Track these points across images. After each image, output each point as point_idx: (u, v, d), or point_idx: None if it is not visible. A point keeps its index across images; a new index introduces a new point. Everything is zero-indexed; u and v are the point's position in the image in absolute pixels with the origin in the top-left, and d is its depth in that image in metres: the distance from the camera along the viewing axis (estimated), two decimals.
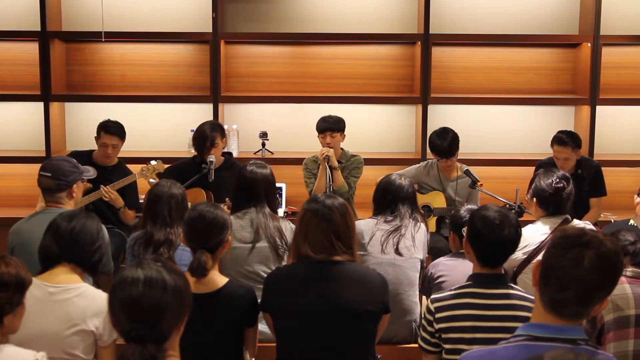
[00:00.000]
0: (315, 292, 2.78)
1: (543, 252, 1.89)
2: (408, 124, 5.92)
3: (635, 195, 4.02)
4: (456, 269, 3.38)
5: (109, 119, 4.91)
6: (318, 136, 4.96)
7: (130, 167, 5.05)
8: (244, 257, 3.55)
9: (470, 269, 2.84)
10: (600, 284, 1.82)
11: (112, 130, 4.83)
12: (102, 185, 4.63)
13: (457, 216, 3.44)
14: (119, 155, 5.00)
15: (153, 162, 4.70)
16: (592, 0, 5.56)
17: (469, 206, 3.47)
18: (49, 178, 3.53)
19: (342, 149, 5.03)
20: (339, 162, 4.92)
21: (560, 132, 4.97)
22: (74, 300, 2.66)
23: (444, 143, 4.82)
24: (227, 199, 4.55)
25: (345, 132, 5.01)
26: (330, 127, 4.91)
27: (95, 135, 4.87)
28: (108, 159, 4.88)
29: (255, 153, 5.66)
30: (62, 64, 5.77)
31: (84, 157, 4.72)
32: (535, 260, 1.89)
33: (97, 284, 3.21)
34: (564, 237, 1.84)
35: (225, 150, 5.05)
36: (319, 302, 2.77)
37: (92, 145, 4.99)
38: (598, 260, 1.80)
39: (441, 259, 3.54)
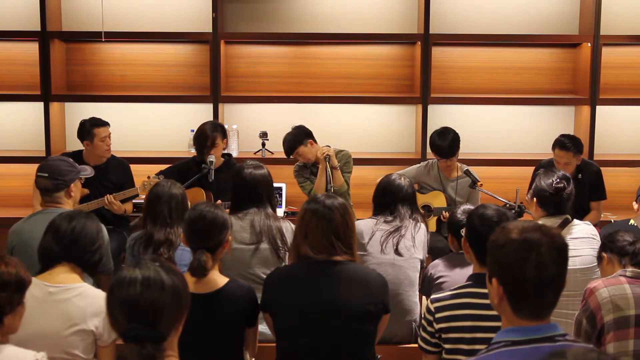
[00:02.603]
0: (315, 292, 2.78)
1: (493, 269, 1.88)
2: (408, 124, 5.92)
3: (634, 202, 4.02)
4: (456, 269, 3.39)
5: (84, 119, 4.91)
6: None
7: (131, 167, 5.05)
8: (245, 259, 3.55)
9: (470, 269, 2.84)
10: (565, 269, 1.86)
11: (101, 122, 4.85)
12: (107, 196, 4.62)
13: (453, 219, 3.44)
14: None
15: (154, 177, 4.64)
16: (592, 0, 5.56)
17: (465, 207, 3.47)
18: (46, 178, 3.53)
19: (328, 146, 4.97)
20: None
21: (562, 136, 4.95)
22: (74, 300, 2.66)
23: (445, 143, 4.81)
24: (219, 200, 4.55)
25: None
26: (288, 148, 4.81)
27: (84, 140, 4.83)
28: (109, 151, 4.87)
29: (255, 153, 5.66)
30: (62, 64, 5.78)
31: (75, 158, 4.65)
32: (492, 281, 1.87)
33: (98, 284, 3.21)
34: (512, 249, 1.83)
35: (226, 151, 5.06)
36: (319, 302, 2.77)
37: None
38: (555, 253, 1.83)
39: (441, 260, 3.54)
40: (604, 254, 3.15)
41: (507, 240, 1.85)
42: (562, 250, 1.85)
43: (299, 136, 4.84)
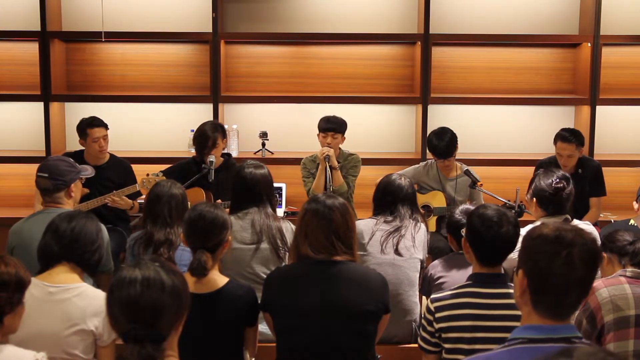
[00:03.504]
0: (315, 292, 2.78)
1: (521, 260, 1.88)
2: (408, 124, 5.92)
3: (634, 202, 4.02)
4: (455, 270, 3.39)
5: (83, 117, 4.92)
6: (318, 134, 4.96)
7: (132, 167, 5.06)
8: (246, 259, 3.55)
9: (469, 270, 2.84)
10: (593, 275, 1.84)
11: (97, 122, 4.84)
12: (108, 197, 4.62)
13: (452, 219, 3.44)
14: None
15: (154, 174, 4.63)
16: (592, 0, 5.56)
17: (464, 207, 3.48)
18: (46, 179, 3.52)
19: (339, 148, 5.04)
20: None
21: (563, 129, 4.99)
22: (74, 300, 2.66)
23: (442, 143, 4.82)
24: (219, 200, 4.56)
25: (346, 134, 5.02)
26: (334, 127, 4.92)
27: (79, 138, 4.86)
28: (103, 153, 4.87)
29: (255, 153, 5.66)
30: (62, 64, 5.77)
31: (76, 157, 4.58)
32: (519, 272, 1.87)
33: (98, 284, 3.21)
34: (544, 242, 1.82)
35: (225, 151, 5.06)
36: (319, 302, 2.77)
37: None
38: (586, 256, 1.81)
39: (440, 260, 3.54)
40: (604, 254, 3.14)
41: (541, 233, 1.84)
42: (594, 255, 1.83)
43: (346, 126, 4.99)
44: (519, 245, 2.99)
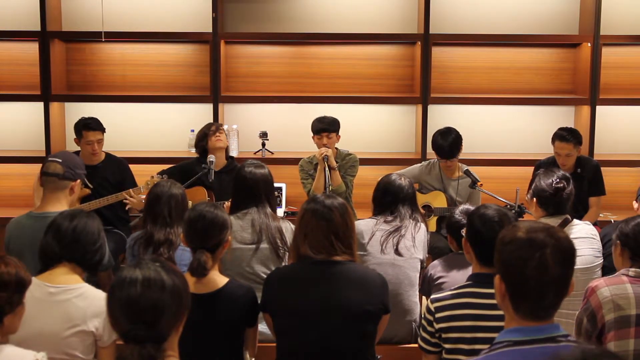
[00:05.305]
0: (315, 293, 2.78)
1: (496, 265, 1.88)
2: (408, 124, 5.92)
3: (634, 202, 4.02)
4: (455, 270, 3.39)
5: (83, 117, 4.90)
6: (313, 137, 4.96)
7: (131, 167, 5.05)
8: (246, 259, 3.55)
9: (469, 270, 2.84)
10: (569, 272, 1.85)
11: (93, 125, 4.80)
12: (125, 192, 4.60)
13: (452, 219, 3.44)
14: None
15: (157, 176, 4.60)
16: (592, 0, 5.56)
17: (463, 207, 3.47)
18: (59, 163, 3.44)
19: (336, 148, 5.03)
20: None
21: (560, 129, 5.00)
22: (74, 300, 2.66)
23: (446, 143, 4.83)
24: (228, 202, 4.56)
25: (344, 133, 5.02)
26: (327, 128, 4.91)
27: (75, 137, 4.85)
28: (95, 156, 4.83)
29: (255, 153, 5.66)
30: (62, 64, 5.77)
31: None
32: (496, 277, 1.87)
33: (97, 284, 3.20)
34: (516, 247, 1.83)
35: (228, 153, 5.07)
36: (319, 303, 2.77)
37: None
38: (560, 255, 1.82)
39: (440, 260, 3.54)
40: (619, 242, 3.07)
41: (513, 237, 1.85)
42: (567, 253, 1.84)
43: (339, 124, 4.97)
44: None
